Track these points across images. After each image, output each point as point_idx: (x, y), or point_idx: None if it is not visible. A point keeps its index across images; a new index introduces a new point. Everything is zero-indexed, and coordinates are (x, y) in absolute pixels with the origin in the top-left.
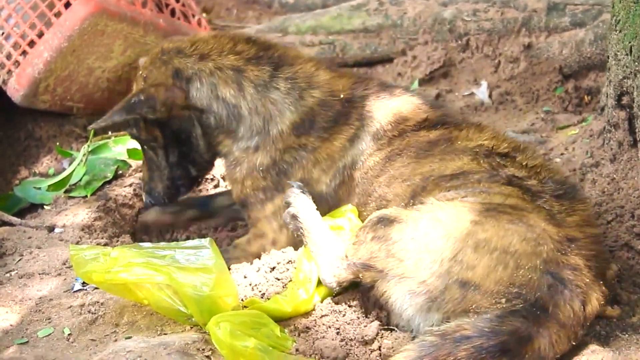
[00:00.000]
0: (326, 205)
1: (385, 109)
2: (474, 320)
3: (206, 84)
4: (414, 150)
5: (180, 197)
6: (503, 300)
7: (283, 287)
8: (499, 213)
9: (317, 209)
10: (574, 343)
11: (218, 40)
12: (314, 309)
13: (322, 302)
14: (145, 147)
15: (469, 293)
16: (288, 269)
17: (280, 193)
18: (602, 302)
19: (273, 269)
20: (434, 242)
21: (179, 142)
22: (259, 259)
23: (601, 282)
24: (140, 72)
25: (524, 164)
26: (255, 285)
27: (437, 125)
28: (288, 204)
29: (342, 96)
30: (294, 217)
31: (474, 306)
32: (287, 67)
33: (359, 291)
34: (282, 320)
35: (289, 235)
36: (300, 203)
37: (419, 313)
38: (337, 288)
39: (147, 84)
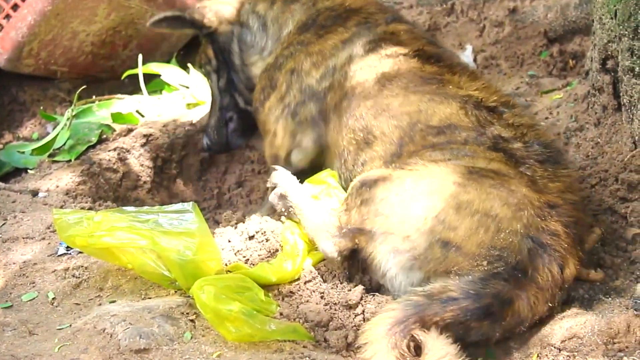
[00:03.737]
0: (317, 105)
1: (385, 26)
2: (459, 282)
3: (252, 4)
4: (404, 82)
5: (230, 139)
6: (485, 263)
7: (268, 253)
8: (482, 177)
9: (310, 107)
10: (550, 305)
11: None
12: (299, 278)
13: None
14: (206, 77)
15: (450, 253)
16: (268, 239)
17: (274, 89)
18: (579, 267)
19: (252, 237)
20: (418, 199)
21: (224, 63)
22: (276, 161)
23: (579, 248)
24: None
25: (510, 122)
26: (239, 250)
27: (431, 60)
28: (274, 185)
29: (348, 5)
30: (283, 196)
31: (455, 267)
32: None
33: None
34: (266, 286)
35: (284, 125)
36: (286, 181)
37: (402, 271)
38: (339, 258)
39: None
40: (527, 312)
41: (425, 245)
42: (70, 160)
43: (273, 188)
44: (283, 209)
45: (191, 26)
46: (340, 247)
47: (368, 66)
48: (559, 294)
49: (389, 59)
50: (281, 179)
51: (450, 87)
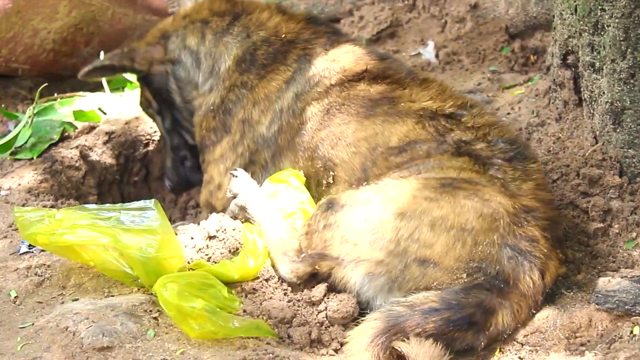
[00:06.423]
0: (269, 151)
1: (324, 54)
2: (441, 293)
3: (180, 37)
4: (354, 107)
5: (189, 177)
6: (464, 275)
7: (229, 252)
8: (455, 188)
9: (264, 154)
10: (534, 312)
11: (206, 1)
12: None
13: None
14: (152, 119)
15: (429, 270)
16: (228, 238)
17: (228, 134)
18: (559, 268)
19: (213, 237)
20: (388, 222)
21: (165, 103)
22: (211, 211)
23: (557, 250)
24: None
25: (470, 124)
26: (201, 248)
27: (378, 79)
28: (235, 195)
29: (284, 36)
30: (243, 208)
31: (435, 283)
32: (244, 15)
33: None
34: (228, 283)
35: None
36: (247, 192)
37: (380, 294)
38: (299, 282)
39: (139, 41)
40: (511, 321)
41: (401, 267)
42: (32, 158)
43: (233, 197)
44: (243, 220)
45: (123, 72)
46: (298, 273)
47: (314, 99)
48: (541, 300)
49: (334, 88)
50: (242, 188)
51: (402, 104)
